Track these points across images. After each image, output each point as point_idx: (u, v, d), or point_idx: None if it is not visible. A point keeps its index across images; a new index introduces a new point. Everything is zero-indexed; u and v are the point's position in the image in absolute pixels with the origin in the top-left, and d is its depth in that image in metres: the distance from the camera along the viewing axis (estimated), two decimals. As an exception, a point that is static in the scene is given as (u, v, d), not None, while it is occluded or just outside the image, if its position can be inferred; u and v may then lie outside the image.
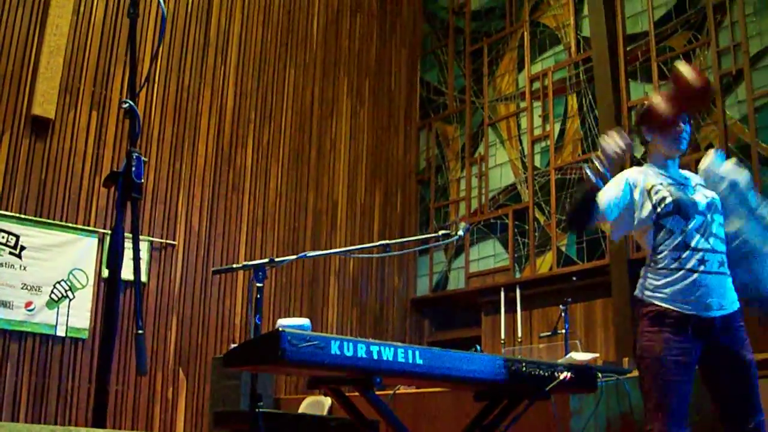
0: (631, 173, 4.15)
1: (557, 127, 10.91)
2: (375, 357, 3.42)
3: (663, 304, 3.82)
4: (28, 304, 8.81)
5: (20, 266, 8.87)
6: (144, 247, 9.53)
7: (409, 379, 3.96)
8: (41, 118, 9.12)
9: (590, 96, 10.57)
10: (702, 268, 3.82)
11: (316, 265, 11.08)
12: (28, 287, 8.86)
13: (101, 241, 9.32)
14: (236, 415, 6.29)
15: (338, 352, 3.30)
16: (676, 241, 3.88)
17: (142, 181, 2.55)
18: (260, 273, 3.92)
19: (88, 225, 9.28)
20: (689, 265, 3.82)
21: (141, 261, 9.43)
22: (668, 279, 3.84)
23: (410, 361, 3.54)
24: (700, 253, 3.84)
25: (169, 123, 10.05)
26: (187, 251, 9.97)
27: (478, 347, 4.43)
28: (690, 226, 3.89)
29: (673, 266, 3.84)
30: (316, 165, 11.44)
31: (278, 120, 11.15)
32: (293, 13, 11.64)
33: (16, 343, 8.63)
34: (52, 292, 8.99)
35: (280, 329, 3.15)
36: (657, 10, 10.11)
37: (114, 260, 2.65)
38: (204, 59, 10.54)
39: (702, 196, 4.01)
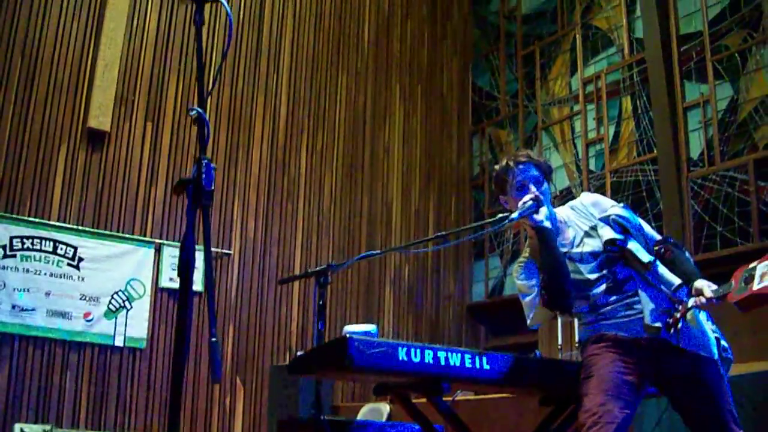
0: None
1: (612, 129, 10.84)
2: (442, 363, 3.41)
3: None
4: (87, 314, 8.90)
5: (78, 277, 8.96)
6: (199, 256, 9.52)
7: (476, 385, 3.95)
8: (97, 131, 9.21)
9: (644, 98, 10.48)
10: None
11: (372, 273, 11.08)
12: (87, 298, 8.95)
13: (158, 251, 9.39)
14: (301, 422, 6.29)
15: (405, 358, 3.29)
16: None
17: (213, 188, 2.54)
18: (322, 279, 3.91)
19: (145, 235, 9.34)
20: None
21: (197, 270, 9.49)
22: None
23: (477, 366, 3.53)
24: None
25: (223, 130, 10.11)
26: (242, 259, 10.01)
27: (538, 352, 4.37)
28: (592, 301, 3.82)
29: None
30: (370, 170, 11.44)
31: (331, 126, 11.17)
32: (344, 18, 11.67)
33: (75, 353, 8.71)
34: (110, 302, 9.06)
35: (348, 335, 3.15)
36: (711, 8, 9.99)
37: (185, 269, 2.64)
38: (257, 65, 10.60)
39: (589, 257, 3.87)
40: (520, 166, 3.97)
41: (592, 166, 10.97)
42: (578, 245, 3.88)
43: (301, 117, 10.89)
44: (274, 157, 10.50)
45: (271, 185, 10.39)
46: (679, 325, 3.62)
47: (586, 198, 4.11)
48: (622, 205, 4.00)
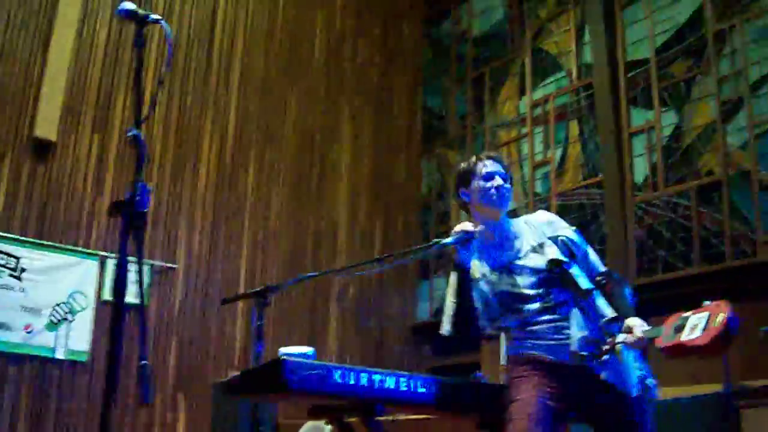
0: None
1: (558, 152, 10.93)
2: (377, 386, 3.43)
3: None
4: (27, 326, 8.81)
5: (20, 288, 8.88)
6: (145, 269, 9.52)
7: (410, 408, 3.96)
8: (43, 140, 9.15)
9: (591, 122, 10.59)
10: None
11: (317, 291, 11.06)
12: (28, 309, 8.87)
13: (102, 264, 9.33)
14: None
15: (340, 381, 3.31)
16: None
17: (147, 210, 2.54)
18: (262, 300, 3.92)
19: (89, 248, 9.29)
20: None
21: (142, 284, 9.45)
22: None
23: (412, 389, 3.55)
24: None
25: (170, 146, 10.07)
26: (188, 274, 9.97)
27: (479, 374, 4.41)
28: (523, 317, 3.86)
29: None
30: (318, 189, 11.44)
31: (280, 144, 11.16)
32: (295, 37, 11.67)
33: (14, 366, 8.63)
34: (51, 314, 8.99)
35: (283, 358, 3.16)
36: (658, 37, 10.14)
37: (118, 289, 2.64)
38: (206, 83, 10.57)
39: (530, 272, 3.91)
40: (491, 160, 4.06)
41: (538, 189, 11.05)
42: (522, 258, 3.91)
43: (250, 134, 10.87)
44: (222, 173, 10.47)
45: (217, 202, 10.36)
46: (605, 357, 3.67)
47: (542, 216, 4.16)
48: (574, 229, 4.05)
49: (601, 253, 9.78)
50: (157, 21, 2.85)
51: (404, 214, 12.33)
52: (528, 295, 3.82)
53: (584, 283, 3.80)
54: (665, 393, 8.16)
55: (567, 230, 4.01)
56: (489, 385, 3.82)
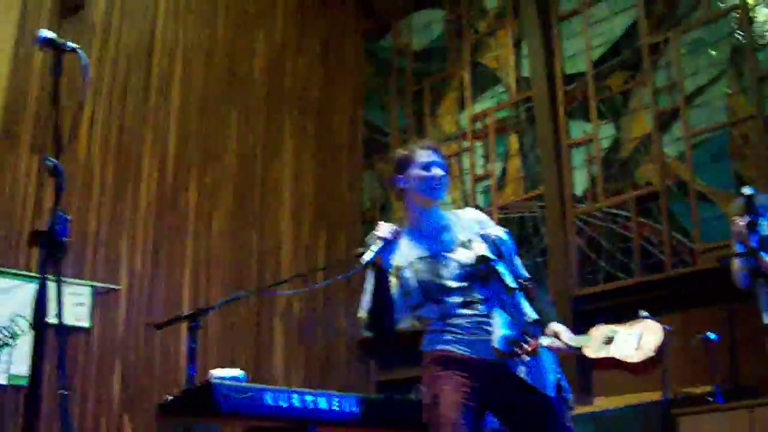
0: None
1: (499, 166, 11.01)
2: (310, 406, 3.44)
3: None
4: (-30, 352, 8.72)
5: (-39, 313, 8.79)
6: (86, 291, 9.44)
7: (345, 427, 3.96)
8: (-20, 163, 9.06)
9: (531, 135, 10.68)
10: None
11: (261, 309, 11.01)
12: (-31, 334, 8.78)
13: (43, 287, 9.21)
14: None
15: (273, 403, 3.32)
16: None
17: (65, 239, 2.53)
18: (194, 323, 3.92)
19: (30, 271, 9.18)
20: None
21: (84, 306, 9.39)
22: None
23: (346, 409, 3.56)
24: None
25: (110, 165, 9.97)
26: (131, 295, 9.87)
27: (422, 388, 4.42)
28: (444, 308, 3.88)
29: None
30: (260, 206, 11.39)
31: (221, 162, 11.09)
32: (235, 54, 11.62)
33: (-43, 391, 8.53)
34: (-6, 339, 8.90)
35: (213, 381, 3.16)
36: (594, 50, 10.27)
37: (38, 319, 2.63)
38: (146, 101, 10.49)
39: (456, 265, 3.93)
40: (431, 150, 4.10)
41: (480, 202, 11.10)
42: (450, 251, 3.92)
43: (191, 153, 10.80)
44: (163, 192, 10.39)
45: (159, 221, 10.28)
46: (526, 358, 3.70)
47: (473, 213, 4.20)
48: (505, 230, 4.07)
49: (543, 265, 9.93)
50: (74, 50, 2.84)
51: (347, 229, 12.31)
52: (451, 288, 3.83)
53: (510, 281, 3.82)
54: (607, 403, 8.28)
55: (498, 229, 4.04)
56: (421, 400, 3.83)
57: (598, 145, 9.95)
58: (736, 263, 6.85)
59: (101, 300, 9.60)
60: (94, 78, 10.00)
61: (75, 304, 9.34)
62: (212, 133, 11.09)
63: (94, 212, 9.70)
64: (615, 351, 3.61)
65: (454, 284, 3.84)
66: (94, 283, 9.53)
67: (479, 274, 3.86)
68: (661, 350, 3.51)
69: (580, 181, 10.09)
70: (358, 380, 11.73)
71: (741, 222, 6.64)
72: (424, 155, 4.07)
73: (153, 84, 10.63)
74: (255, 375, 10.48)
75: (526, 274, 4.06)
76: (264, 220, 11.39)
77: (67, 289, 9.24)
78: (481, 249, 3.89)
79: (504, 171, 10.96)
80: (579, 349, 3.72)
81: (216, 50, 11.41)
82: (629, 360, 3.58)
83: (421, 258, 3.95)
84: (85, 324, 9.28)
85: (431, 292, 3.85)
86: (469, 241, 3.96)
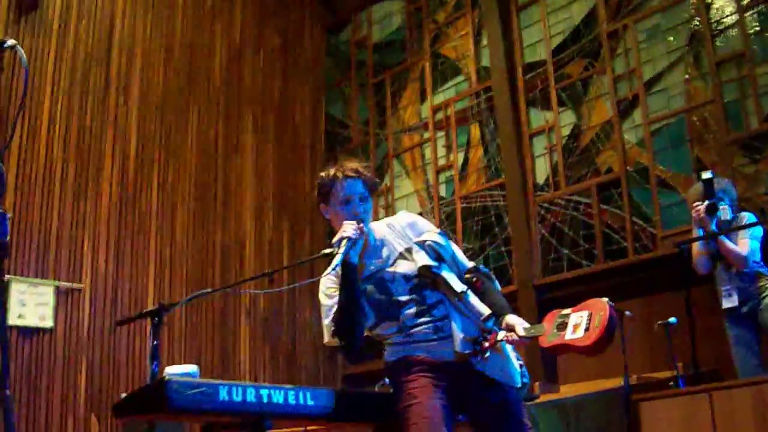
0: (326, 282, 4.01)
1: (461, 156, 11.03)
2: (265, 400, 3.42)
3: None
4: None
5: None
6: (50, 291, 9.39)
7: (301, 421, 3.96)
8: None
9: (492, 124, 10.71)
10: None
11: (227, 305, 10.98)
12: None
13: (5, 287, 9.14)
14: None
15: (227, 398, 3.29)
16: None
17: (7, 240, 2.51)
18: (156, 320, 3.90)
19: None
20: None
21: (47, 306, 9.33)
22: None
23: (301, 402, 3.55)
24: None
25: (71, 164, 9.89)
26: (94, 294, 9.81)
27: (387, 380, 4.42)
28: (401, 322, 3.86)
29: None
30: (223, 203, 11.36)
31: (182, 159, 11.04)
32: (194, 51, 11.57)
33: None
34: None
35: (166, 378, 3.14)
36: (554, 38, 10.33)
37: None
38: (105, 100, 10.42)
39: (402, 278, 3.91)
40: (348, 181, 3.96)
41: (442, 193, 11.15)
42: (392, 265, 3.90)
43: (152, 151, 10.74)
44: (124, 191, 10.33)
45: (121, 220, 10.22)
46: (487, 354, 3.72)
47: (404, 218, 4.13)
48: (438, 231, 4.05)
49: (507, 254, 9.97)
50: (12, 47, 2.80)
51: (311, 224, 12.31)
52: (403, 302, 3.82)
53: (457, 285, 3.82)
54: (571, 390, 8.31)
55: (431, 233, 4.00)
56: (381, 394, 3.83)
57: (558, 133, 10.00)
58: (696, 248, 6.91)
59: (64, 299, 9.55)
60: (54, 77, 9.94)
61: (38, 304, 9.29)
62: (173, 131, 11.05)
63: (56, 211, 9.63)
64: (567, 336, 3.63)
65: (404, 298, 3.84)
66: (57, 282, 9.48)
67: (426, 282, 3.87)
68: (611, 327, 3.54)
69: (541, 170, 10.14)
70: (326, 374, 11.74)
71: (700, 207, 6.70)
72: (341, 189, 3.96)
73: (112, 82, 10.55)
74: (222, 372, 10.50)
75: (469, 264, 4.04)
76: (226, 216, 11.36)
77: (30, 289, 9.22)
78: (422, 258, 3.88)
79: (466, 161, 10.99)
80: (534, 339, 3.74)
81: (174, 47, 11.35)
82: (582, 344, 3.61)
83: (366, 279, 3.93)
84: (49, 324, 9.23)
85: (385, 310, 3.85)
86: (408, 250, 3.95)
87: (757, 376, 6.05)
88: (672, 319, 6.76)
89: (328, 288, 3.97)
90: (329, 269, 3.77)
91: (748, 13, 8.72)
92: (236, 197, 11.57)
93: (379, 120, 12.29)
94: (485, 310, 3.81)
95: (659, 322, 6.82)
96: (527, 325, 3.75)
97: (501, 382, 3.79)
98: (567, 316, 3.67)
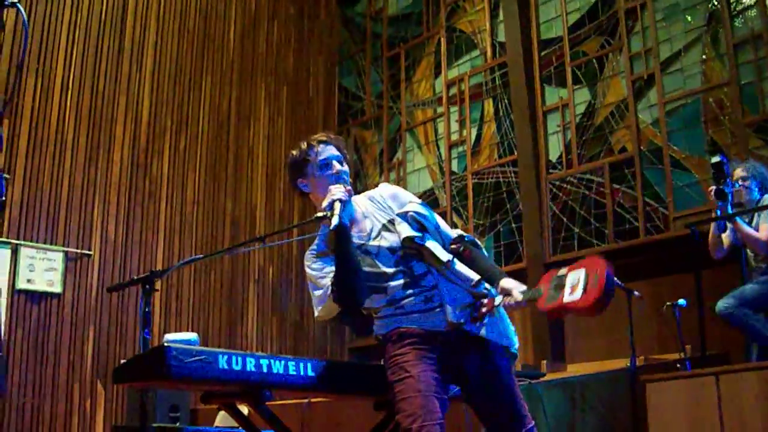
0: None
1: (474, 132, 10.98)
2: (264, 370, 3.40)
3: None
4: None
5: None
6: (59, 257, 9.40)
7: (301, 392, 3.93)
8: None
9: (506, 100, 10.66)
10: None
11: (235, 274, 11.00)
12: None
13: (15, 252, 9.15)
14: (131, 430, 6.22)
15: (226, 367, 3.26)
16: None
17: (4, 198, 2.48)
18: (147, 286, 3.87)
19: (1, 236, 9.11)
20: None
21: (56, 271, 9.35)
22: None
23: (302, 373, 3.53)
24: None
25: (83, 130, 9.89)
26: (103, 260, 9.82)
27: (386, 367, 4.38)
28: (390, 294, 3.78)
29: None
30: (234, 172, 11.35)
31: (195, 127, 11.04)
32: (209, 19, 11.54)
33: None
34: (-34, 303, 8.84)
35: (166, 344, 3.12)
36: (570, 15, 10.24)
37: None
38: (119, 66, 10.40)
39: (387, 251, 3.84)
40: (322, 145, 3.94)
41: (454, 168, 11.11)
42: (375, 238, 3.84)
43: (164, 118, 10.73)
44: (136, 158, 10.33)
45: (132, 186, 10.22)
46: (485, 320, 3.70)
47: (385, 190, 4.08)
48: (419, 201, 4.00)
49: (518, 231, 9.93)
50: (13, 4, 2.76)
51: (322, 196, 12.27)
52: (389, 273, 3.75)
53: (443, 254, 3.77)
54: (579, 369, 8.31)
55: (413, 204, 3.94)
56: (380, 366, 3.80)
57: (572, 111, 9.94)
58: (711, 231, 6.86)
59: (73, 265, 9.56)
60: (67, 43, 9.92)
61: (47, 269, 9.30)
62: (186, 99, 11.03)
63: (66, 177, 9.63)
64: (566, 298, 3.59)
65: (391, 270, 3.76)
66: (67, 249, 9.48)
67: (411, 254, 3.82)
68: (609, 285, 3.49)
69: (554, 147, 10.09)
70: (332, 346, 11.75)
71: (711, 190, 6.66)
72: (318, 153, 3.94)
73: (126, 49, 10.53)
74: (228, 341, 10.52)
75: (454, 234, 4.00)
76: (237, 186, 11.36)
77: (39, 255, 9.23)
78: (405, 229, 3.83)
79: (479, 136, 10.94)
80: (533, 302, 3.70)
81: (190, 15, 11.32)
82: (582, 305, 3.57)
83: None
84: (58, 289, 9.25)
85: (373, 282, 3.77)
86: (391, 221, 3.89)
87: (765, 362, 6.02)
88: (681, 301, 6.71)
89: (312, 263, 3.90)
90: (329, 228, 3.70)
91: (768, -6, 8.63)
92: (248, 167, 11.56)
93: (392, 93, 12.26)
94: (474, 276, 3.76)
95: (668, 303, 6.77)
96: (524, 288, 3.70)
97: (499, 345, 3.76)
98: (564, 276, 3.61)
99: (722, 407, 5.42)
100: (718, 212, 6.68)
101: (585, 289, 3.51)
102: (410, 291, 3.74)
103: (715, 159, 6.63)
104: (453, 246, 3.92)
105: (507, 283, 3.71)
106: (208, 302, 10.64)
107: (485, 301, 3.70)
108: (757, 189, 6.71)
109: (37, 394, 8.92)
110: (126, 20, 10.58)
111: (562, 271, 3.65)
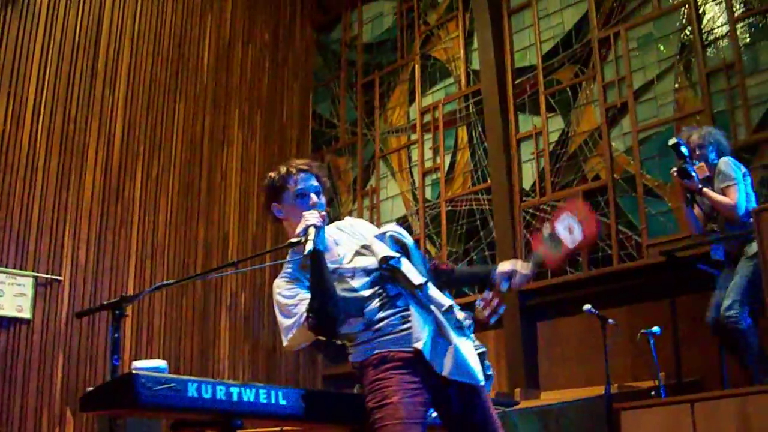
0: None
1: (448, 159, 10.99)
2: (235, 399, 3.34)
3: None
4: None
5: None
6: (29, 282, 9.30)
7: (272, 420, 3.86)
8: None
9: (480, 128, 10.67)
10: None
11: (207, 300, 10.91)
12: None
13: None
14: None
15: (196, 395, 3.20)
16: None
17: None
18: (117, 311, 3.80)
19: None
20: None
21: (26, 297, 9.25)
22: None
23: (273, 401, 3.47)
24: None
25: (55, 154, 9.80)
26: (74, 286, 9.72)
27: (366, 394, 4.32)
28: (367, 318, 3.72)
29: None
30: (207, 197, 11.28)
31: (168, 152, 10.97)
32: (183, 43, 11.50)
33: None
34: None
35: (134, 371, 3.06)
36: (545, 44, 10.28)
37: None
38: (92, 90, 10.33)
39: (362, 272, 3.79)
40: (302, 174, 3.93)
41: (428, 195, 11.10)
42: (349, 262, 3.80)
43: (137, 143, 10.66)
44: (108, 182, 10.24)
45: (104, 211, 10.13)
46: (500, 310, 3.79)
47: (353, 221, 4.10)
48: (395, 223, 4.01)
49: (491, 259, 9.92)
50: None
51: (295, 222, 12.22)
52: (366, 296, 3.69)
53: (416, 278, 3.71)
54: (553, 397, 8.28)
55: (393, 225, 3.94)
56: (355, 395, 3.75)
57: (546, 139, 9.96)
58: (684, 213, 6.95)
59: (43, 291, 9.46)
60: (40, 66, 9.86)
61: (16, 295, 9.21)
62: (159, 123, 10.97)
63: (37, 202, 9.54)
64: (571, 242, 3.72)
65: (367, 292, 3.70)
66: (36, 274, 9.39)
67: (386, 275, 3.77)
68: (592, 211, 3.71)
69: (528, 175, 10.10)
70: (305, 374, 11.67)
71: (674, 171, 6.76)
72: (296, 183, 3.92)
73: (99, 72, 10.47)
74: (200, 368, 10.42)
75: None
76: (211, 211, 11.29)
77: (8, 279, 9.13)
78: (383, 249, 3.80)
79: (453, 164, 10.95)
80: (542, 264, 3.81)
81: (164, 39, 11.28)
82: (589, 234, 3.71)
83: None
84: (27, 315, 9.15)
85: (349, 307, 3.70)
86: (364, 247, 3.86)
87: (740, 388, 6.02)
88: (655, 329, 6.73)
89: (287, 288, 3.86)
90: (302, 256, 3.66)
91: (740, 24, 8.69)
92: (221, 192, 11.49)
93: (366, 120, 12.25)
94: (446, 302, 3.72)
95: (642, 330, 6.78)
96: (523, 263, 3.88)
97: (460, 382, 3.70)
98: (552, 232, 3.73)
99: (698, 435, 5.42)
100: (688, 194, 6.77)
101: (581, 225, 3.65)
102: (387, 312, 3.67)
103: (672, 141, 6.73)
104: (430, 262, 3.92)
105: (504, 266, 3.87)
106: (180, 329, 10.55)
107: (482, 300, 3.75)
108: (714, 153, 6.81)
109: (4, 422, 8.80)
110: (99, 43, 10.52)
111: (545, 229, 3.77)
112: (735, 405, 5.31)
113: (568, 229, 3.80)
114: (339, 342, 3.79)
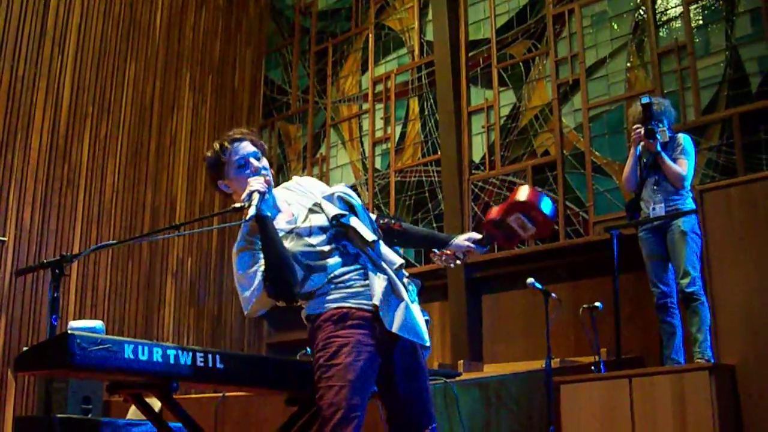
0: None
1: (398, 130, 10.98)
2: (172, 361, 3.31)
3: None
4: None
5: None
6: None
7: (210, 384, 3.84)
8: None
9: (431, 100, 10.67)
10: None
11: (153, 266, 10.85)
12: None
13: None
14: (35, 421, 6.07)
15: (132, 357, 3.16)
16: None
17: None
18: (57, 271, 3.75)
19: None
20: None
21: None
22: None
23: (210, 365, 3.45)
24: None
25: (0, 113, 9.68)
26: (18, 247, 9.61)
27: (309, 350, 4.31)
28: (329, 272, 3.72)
29: None
30: (155, 161, 11.19)
31: (117, 114, 10.85)
32: (136, 4, 11.35)
33: None
34: None
35: (69, 332, 3.02)
36: (499, 17, 10.30)
37: None
38: (40, 50, 10.17)
39: (318, 230, 3.76)
40: (236, 143, 3.87)
41: (378, 165, 11.10)
42: (304, 221, 3.75)
43: (85, 104, 10.53)
44: (55, 144, 10.12)
45: (50, 173, 10.01)
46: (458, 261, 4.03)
47: (303, 179, 4.05)
48: (344, 184, 3.99)
49: (439, 230, 9.91)
50: None
51: (243, 189, 12.17)
52: (326, 251, 3.66)
53: (368, 234, 3.71)
54: (496, 370, 8.33)
55: (340, 186, 3.91)
56: (292, 361, 3.74)
57: (497, 113, 9.97)
58: (628, 166, 7.05)
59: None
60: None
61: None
62: (108, 85, 10.84)
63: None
64: (525, 234, 3.84)
65: (327, 248, 3.67)
66: (-20, 234, 9.28)
67: (340, 232, 3.76)
68: (546, 208, 3.79)
69: (478, 148, 10.12)
70: (250, 341, 11.66)
71: (640, 129, 6.84)
72: (234, 153, 3.86)
73: (48, 31, 10.31)
74: (144, 333, 10.36)
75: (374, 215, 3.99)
76: (159, 175, 11.20)
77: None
78: (331, 209, 3.77)
79: (403, 135, 10.95)
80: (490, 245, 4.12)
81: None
82: (543, 233, 3.86)
83: (283, 238, 3.73)
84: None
85: (311, 261, 3.66)
86: (316, 205, 3.81)
87: (677, 366, 6.10)
88: (597, 304, 6.78)
89: (239, 258, 3.80)
90: (244, 220, 3.63)
91: (693, 6, 8.77)
92: (170, 156, 11.41)
93: (318, 88, 12.21)
94: (397, 260, 3.73)
95: (584, 305, 6.83)
96: (478, 236, 4.04)
97: (411, 341, 3.69)
98: (503, 222, 3.83)
99: (634, 409, 5.47)
100: (638, 150, 6.99)
101: (534, 223, 3.73)
102: (349, 267, 3.66)
103: (645, 100, 6.89)
104: (382, 221, 3.90)
105: (462, 242, 4.06)
106: (125, 294, 10.48)
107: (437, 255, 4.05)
108: (667, 124, 6.97)
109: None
110: (49, 2, 10.36)
111: (493, 215, 3.85)
112: (671, 381, 5.37)
113: (521, 227, 3.85)
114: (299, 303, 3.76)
